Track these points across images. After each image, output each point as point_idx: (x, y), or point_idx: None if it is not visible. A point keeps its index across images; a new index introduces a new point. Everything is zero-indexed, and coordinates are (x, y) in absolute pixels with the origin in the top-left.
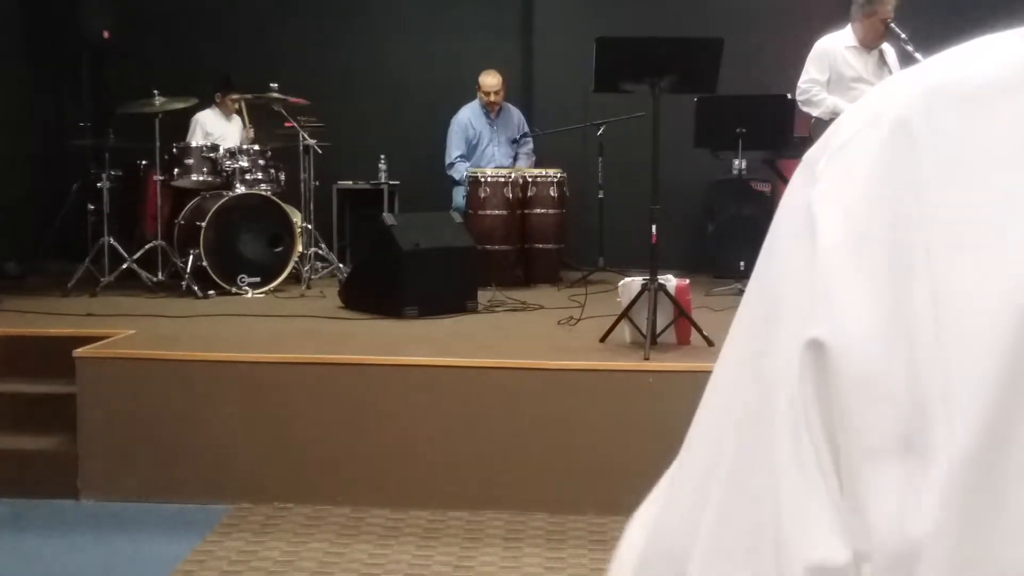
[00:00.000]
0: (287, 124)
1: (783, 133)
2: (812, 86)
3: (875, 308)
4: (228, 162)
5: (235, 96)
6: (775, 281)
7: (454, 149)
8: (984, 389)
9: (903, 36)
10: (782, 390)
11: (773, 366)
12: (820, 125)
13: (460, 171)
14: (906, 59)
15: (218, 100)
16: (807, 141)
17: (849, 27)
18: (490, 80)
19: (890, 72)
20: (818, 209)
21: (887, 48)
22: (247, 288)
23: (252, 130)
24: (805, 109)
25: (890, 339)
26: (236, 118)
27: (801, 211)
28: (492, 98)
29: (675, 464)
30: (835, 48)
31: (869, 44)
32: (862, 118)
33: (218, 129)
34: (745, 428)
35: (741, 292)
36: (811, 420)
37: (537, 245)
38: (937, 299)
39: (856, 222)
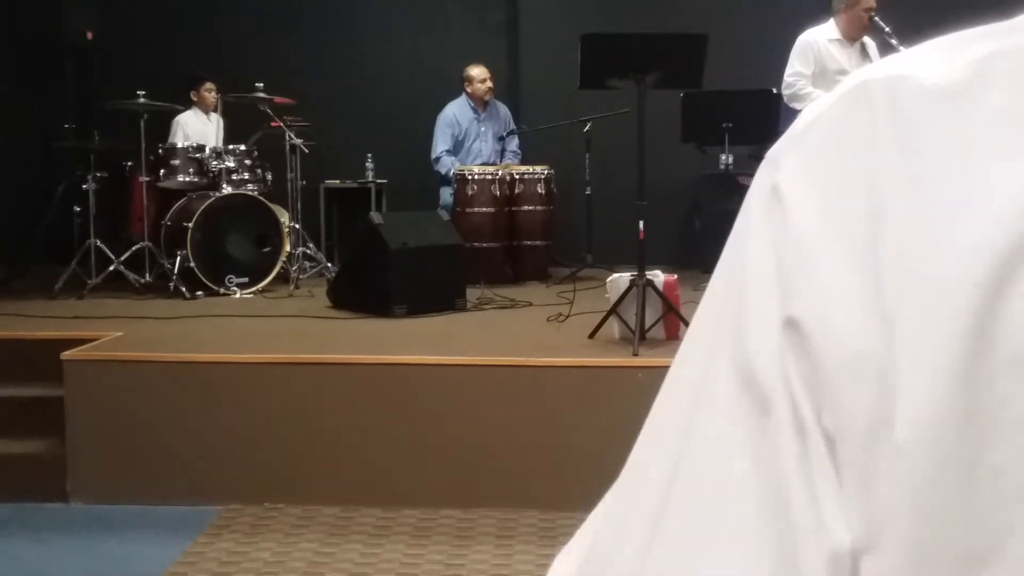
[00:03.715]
0: (273, 124)
1: (769, 127)
2: (797, 79)
3: (852, 283)
4: (214, 162)
5: (209, 86)
6: (747, 265)
7: (440, 144)
8: (939, 372)
9: (887, 30)
10: (766, 375)
11: (753, 350)
12: None
13: (446, 164)
14: (889, 52)
15: (195, 99)
16: None
17: (832, 21)
18: (478, 70)
19: None
20: (785, 188)
21: (868, 41)
22: (235, 289)
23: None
24: (791, 104)
25: (865, 318)
26: (215, 117)
27: (767, 195)
28: (489, 84)
29: (615, 487)
30: (818, 41)
31: (852, 36)
32: (823, 104)
33: (198, 131)
34: (723, 417)
35: None
36: (799, 402)
37: (525, 242)
38: (903, 277)
39: (826, 197)
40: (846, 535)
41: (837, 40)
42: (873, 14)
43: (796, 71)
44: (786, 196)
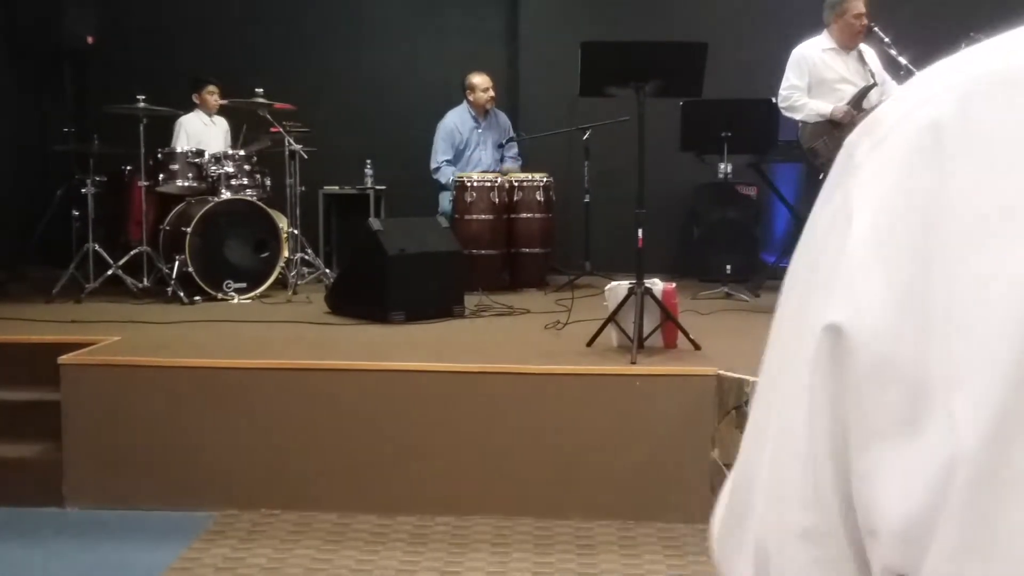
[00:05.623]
0: (273, 129)
1: (768, 137)
2: (792, 92)
3: (892, 298)
4: (213, 167)
5: (212, 88)
6: (813, 262)
7: (440, 154)
8: (995, 380)
9: (886, 40)
10: (801, 369)
11: (798, 344)
12: (807, 128)
13: (446, 175)
14: (889, 62)
15: (197, 100)
16: (792, 145)
17: (825, 32)
18: (480, 78)
19: (871, 72)
20: (855, 201)
21: (865, 48)
22: (233, 294)
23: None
24: (788, 115)
25: (904, 327)
26: (220, 120)
27: (841, 199)
28: (491, 93)
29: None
30: (812, 53)
31: (846, 45)
32: (901, 112)
33: (201, 134)
34: (779, 398)
35: (728, 295)
36: (818, 400)
37: (524, 249)
38: (952, 289)
39: (884, 217)
40: (821, 521)
41: (832, 50)
42: (866, 21)
43: (791, 84)
44: (854, 208)
